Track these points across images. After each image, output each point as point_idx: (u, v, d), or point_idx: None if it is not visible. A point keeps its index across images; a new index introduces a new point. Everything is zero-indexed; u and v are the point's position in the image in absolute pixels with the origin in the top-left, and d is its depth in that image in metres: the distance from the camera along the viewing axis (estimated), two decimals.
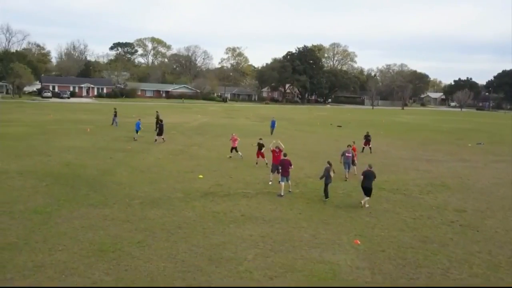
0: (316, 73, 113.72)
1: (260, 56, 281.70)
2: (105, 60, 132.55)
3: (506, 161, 27.22)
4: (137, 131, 29.80)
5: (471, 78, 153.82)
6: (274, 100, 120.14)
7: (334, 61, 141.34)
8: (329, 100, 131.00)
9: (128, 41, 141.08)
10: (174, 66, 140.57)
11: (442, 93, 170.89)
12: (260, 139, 22.36)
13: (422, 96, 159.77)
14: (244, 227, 12.41)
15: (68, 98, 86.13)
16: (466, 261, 10.59)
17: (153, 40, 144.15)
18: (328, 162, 15.95)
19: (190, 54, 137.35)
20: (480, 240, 12.12)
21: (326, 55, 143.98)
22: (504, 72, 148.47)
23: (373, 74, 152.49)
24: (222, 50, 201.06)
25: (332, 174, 15.74)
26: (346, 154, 19.76)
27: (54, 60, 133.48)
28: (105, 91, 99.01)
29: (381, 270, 9.84)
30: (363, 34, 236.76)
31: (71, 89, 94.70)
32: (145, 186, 16.58)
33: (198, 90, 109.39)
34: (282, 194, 15.91)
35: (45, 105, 66.02)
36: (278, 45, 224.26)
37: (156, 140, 28.23)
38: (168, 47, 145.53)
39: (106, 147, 25.73)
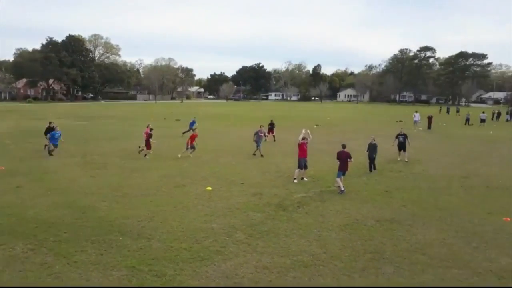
0: (88, 66, 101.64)
1: None
2: None
3: None
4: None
5: (224, 73, 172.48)
6: (35, 98, 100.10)
7: (96, 54, 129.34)
8: (99, 96, 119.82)
9: None
10: None
11: (198, 87, 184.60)
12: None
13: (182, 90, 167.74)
14: None
15: None
16: None
17: None
18: None
19: None
20: None
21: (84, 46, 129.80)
22: (244, 68, 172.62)
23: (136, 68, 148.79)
24: None
25: None
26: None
27: None
28: None
29: None
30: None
31: None
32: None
33: None
34: (343, 189, 13.73)
35: None
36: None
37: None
38: None
39: None
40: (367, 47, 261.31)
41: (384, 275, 7.72)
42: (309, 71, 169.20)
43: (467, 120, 45.62)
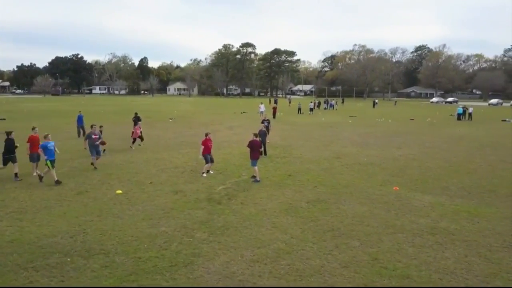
0: None
1: None
2: None
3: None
4: None
5: (35, 64, 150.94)
6: None
7: None
8: None
9: None
10: None
11: (1, 80, 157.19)
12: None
13: None
14: None
15: None
16: None
17: None
18: None
19: None
20: None
21: None
22: (59, 58, 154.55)
23: None
24: None
25: None
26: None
27: None
28: None
29: None
30: None
31: None
32: None
33: None
34: (259, 179, 14.26)
35: None
36: None
37: None
38: None
39: None
40: (190, 41, 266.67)
41: (356, 248, 8.57)
42: (134, 64, 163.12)
43: (299, 109, 51.75)
